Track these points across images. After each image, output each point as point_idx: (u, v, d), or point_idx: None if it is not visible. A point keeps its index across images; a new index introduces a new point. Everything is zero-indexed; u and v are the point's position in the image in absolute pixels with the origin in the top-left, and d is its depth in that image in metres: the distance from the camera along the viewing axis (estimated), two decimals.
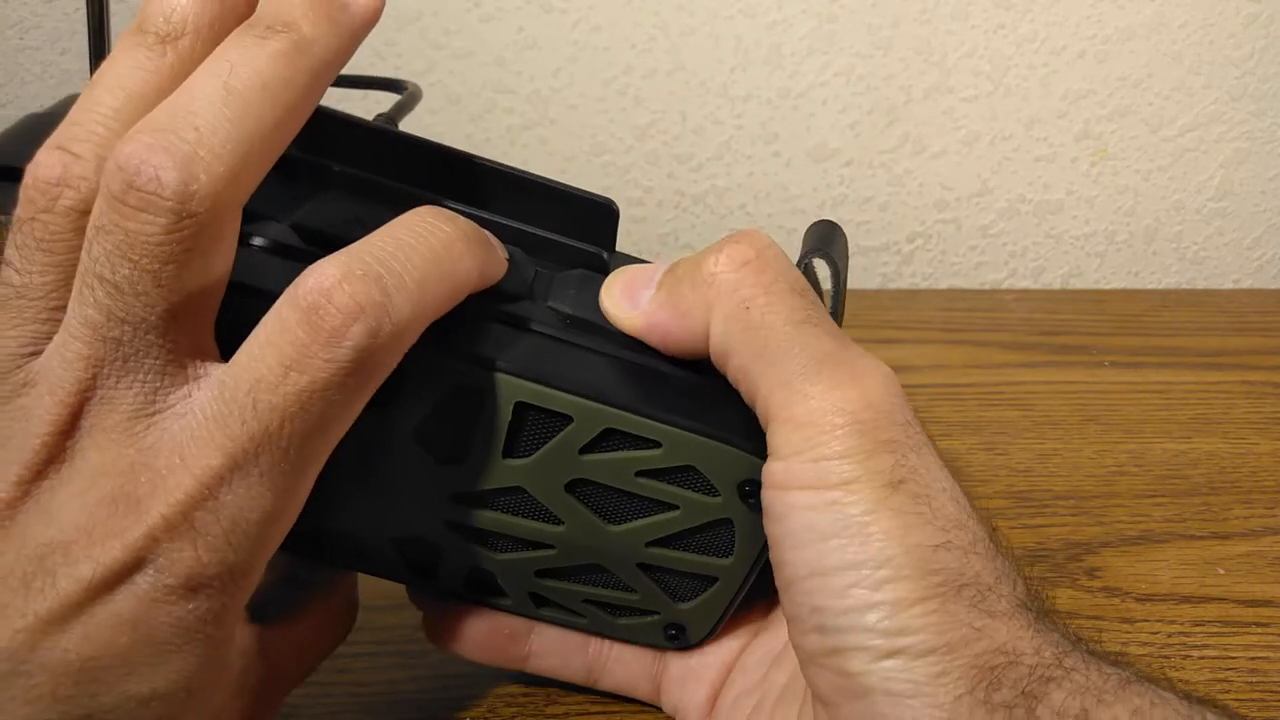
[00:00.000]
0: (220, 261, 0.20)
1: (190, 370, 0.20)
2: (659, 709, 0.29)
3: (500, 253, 0.24)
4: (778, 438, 0.22)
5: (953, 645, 0.20)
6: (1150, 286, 0.63)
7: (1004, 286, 0.62)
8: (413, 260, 0.20)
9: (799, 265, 0.25)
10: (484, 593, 0.27)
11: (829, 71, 0.55)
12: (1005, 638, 0.21)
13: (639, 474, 0.24)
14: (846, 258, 0.26)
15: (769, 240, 0.24)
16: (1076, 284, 0.63)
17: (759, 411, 0.23)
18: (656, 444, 0.24)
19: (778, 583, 0.23)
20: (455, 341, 0.23)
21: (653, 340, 0.24)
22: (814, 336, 0.22)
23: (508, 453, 0.24)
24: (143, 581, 0.19)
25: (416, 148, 0.25)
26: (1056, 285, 0.62)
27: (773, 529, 0.23)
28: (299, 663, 0.26)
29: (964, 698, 0.20)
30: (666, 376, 0.24)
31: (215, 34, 0.21)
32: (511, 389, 0.23)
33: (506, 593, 0.27)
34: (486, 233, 0.23)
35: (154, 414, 0.19)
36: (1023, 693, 0.20)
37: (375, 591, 0.28)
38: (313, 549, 0.26)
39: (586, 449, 0.24)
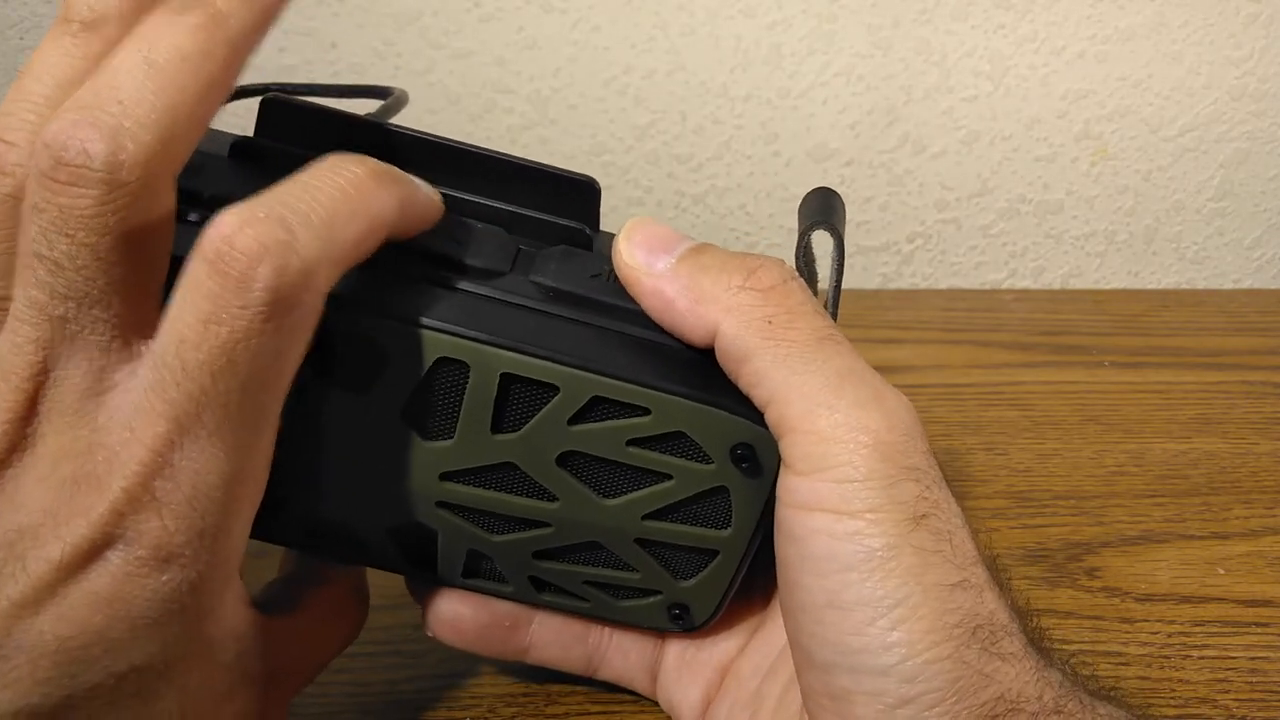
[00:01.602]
0: (159, 233, 0.20)
1: (135, 346, 0.20)
2: (657, 706, 0.29)
3: (425, 191, 0.23)
4: (796, 449, 0.22)
5: (962, 694, 0.20)
6: (1150, 286, 0.63)
7: (1004, 286, 0.62)
8: (318, 199, 0.20)
9: (800, 239, 0.25)
10: (483, 580, 0.27)
11: (829, 71, 0.55)
12: (1011, 683, 0.21)
13: (630, 443, 0.24)
14: (844, 224, 0.26)
15: (794, 271, 0.24)
16: (1076, 284, 0.63)
17: (772, 419, 0.23)
18: (645, 411, 0.23)
19: (785, 604, 0.23)
20: (437, 317, 0.23)
21: (651, 306, 0.24)
22: (836, 353, 0.22)
23: (496, 428, 0.24)
24: (114, 558, 0.19)
25: (389, 133, 0.25)
26: (1056, 285, 0.62)
27: (788, 549, 0.22)
28: (306, 657, 0.26)
29: None
30: (653, 344, 0.24)
31: (138, 18, 0.21)
32: (496, 360, 0.23)
33: (506, 578, 0.27)
34: (406, 174, 0.23)
35: (103, 392, 0.20)
36: None
37: (374, 591, 0.28)
38: (310, 543, 0.26)
39: (575, 419, 0.23)
